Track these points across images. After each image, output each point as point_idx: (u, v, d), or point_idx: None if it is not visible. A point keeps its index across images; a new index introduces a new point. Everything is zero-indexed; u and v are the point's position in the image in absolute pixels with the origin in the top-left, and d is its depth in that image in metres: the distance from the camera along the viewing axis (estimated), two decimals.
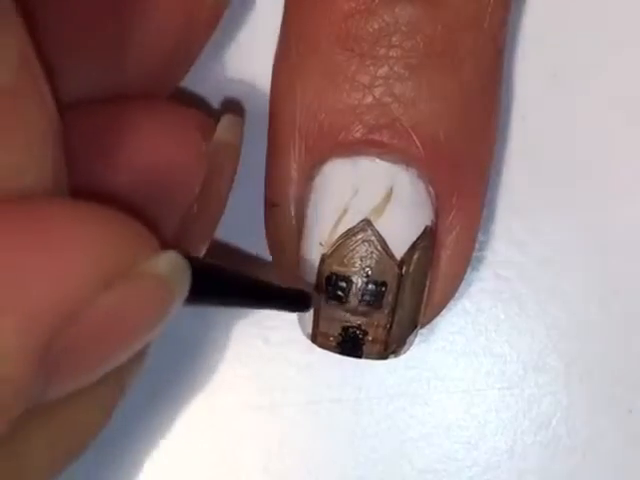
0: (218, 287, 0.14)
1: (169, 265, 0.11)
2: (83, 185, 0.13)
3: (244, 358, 0.20)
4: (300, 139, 0.17)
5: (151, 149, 0.15)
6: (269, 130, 0.18)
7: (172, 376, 0.20)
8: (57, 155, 0.12)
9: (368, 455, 0.20)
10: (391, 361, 0.19)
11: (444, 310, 0.19)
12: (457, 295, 0.19)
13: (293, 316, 0.18)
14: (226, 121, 0.17)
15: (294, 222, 0.17)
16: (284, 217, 0.17)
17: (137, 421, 0.20)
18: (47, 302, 0.10)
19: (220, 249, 0.19)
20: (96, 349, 0.11)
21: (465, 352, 0.19)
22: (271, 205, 0.18)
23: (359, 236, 0.16)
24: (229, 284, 0.14)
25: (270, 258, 0.19)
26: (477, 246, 0.19)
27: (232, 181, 0.17)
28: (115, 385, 0.14)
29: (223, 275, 0.14)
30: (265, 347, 0.20)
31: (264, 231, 0.18)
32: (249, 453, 0.20)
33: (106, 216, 0.11)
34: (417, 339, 0.19)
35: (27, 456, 0.13)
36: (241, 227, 0.19)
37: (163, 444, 0.20)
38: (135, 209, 0.12)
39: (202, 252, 0.17)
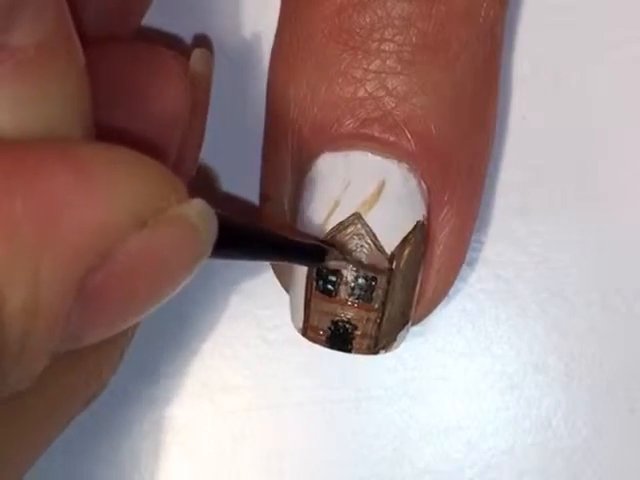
0: (239, 238, 0.14)
1: (198, 211, 0.11)
2: (102, 130, 0.13)
3: (244, 358, 0.20)
4: (293, 134, 0.17)
5: (147, 90, 0.15)
6: (265, 126, 0.18)
7: (172, 376, 0.20)
8: (87, 102, 0.12)
9: (368, 455, 0.20)
10: (391, 361, 0.19)
11: (444, 310, 0.19)
12: (457, 295, 0.19)
13: None
14: (198, 54, 0.17)
15: (287, 217, 0.17)
16: (277, 212, 0.17)
17: (137, 421, 0.20)
18: (84, 237, 0.10)
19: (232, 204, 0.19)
20: (129, 290, 0.11)
21: (465, 352, 0.19)
22: (265, 199, 0.18)
23: (349, 230, 0.16)
24: (249, 236, 0.14)
25: None
26: (477, 246, 0.19)
27: (207, 112, 0.17)
28: (127, 333, 0.15)
29: (243, 227, 0.14)
30: (265, 347, 0.20)
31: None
32: (249, 453, 0.20)
33: (140, 159, 0.11)
34: (417, 339, 0.19)
35: (51, 402, 0.13)
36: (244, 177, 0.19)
37: (163, 444, 0.20)
38: (151, 152, 0.12)
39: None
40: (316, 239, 0.16)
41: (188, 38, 0.19)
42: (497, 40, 0.17)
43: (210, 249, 0.12)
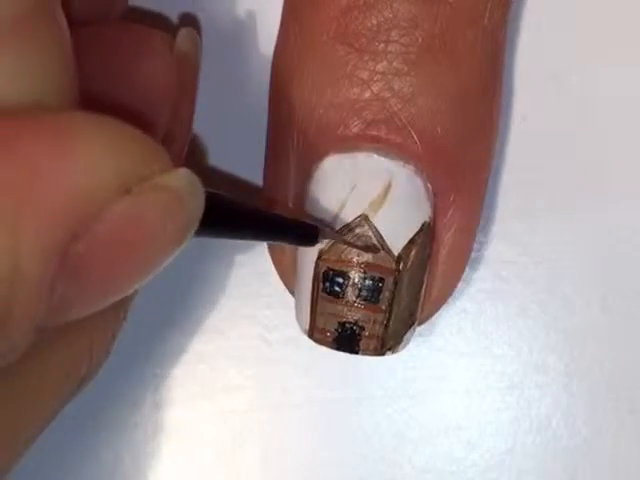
0: (229, 215, 0.13)
1: (183, 181, 0.11)
2: (89, 102, 0.13)
3: (245, 358, 0.20)
4: (299, 135, 0.17)
5: (132, 68, 0.15)
6: (268, 127, 0.18)
7: (173, 377, 0.20)
8: (71, 75, 0.12)
9: (368, 455, 0.20)
10: (391, 361, 0.19)
11: (444, 310, 0.19)
12: (457, 295, 0.19)
13: (293, 316, 0.18)
14: (184, 34, 0.17)
15: None
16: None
17: (138, 422, 0.20)
18: (67, 203, 0.10)
19: (225, 182, 0.19)
20: (114, 260, 0.11)
21: (465, 352, 0.19)
22: (270, 202, 0.18)
23: (356, 231, 0.16)
24: (239, 212, 0.14)
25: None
26: (477, 246, 0.19)
27: (195, 91, 0.17)
28: (118, 314, 0.14)
29: (233, 204, 0.14)
30: (265, 347, 0.20)
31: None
32: (249, 453, 0.20)
33: (123, 127, 0.11)
34: (417, 339, 0.19)
35: (40, 383, 0.13)
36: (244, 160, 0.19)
37: (164, 444, 0.20)
38: (138, 126, 0.12)
39: None
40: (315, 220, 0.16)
41: (175, 18, 0.19)
42: (501, 41, 0.17)
43: (197, 222, 0.11)
